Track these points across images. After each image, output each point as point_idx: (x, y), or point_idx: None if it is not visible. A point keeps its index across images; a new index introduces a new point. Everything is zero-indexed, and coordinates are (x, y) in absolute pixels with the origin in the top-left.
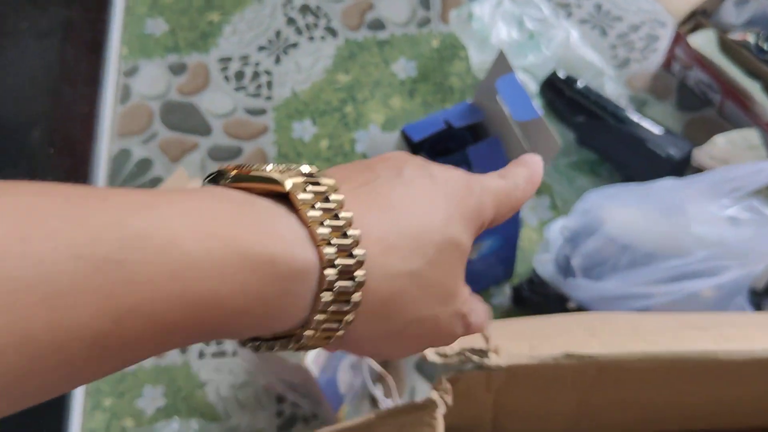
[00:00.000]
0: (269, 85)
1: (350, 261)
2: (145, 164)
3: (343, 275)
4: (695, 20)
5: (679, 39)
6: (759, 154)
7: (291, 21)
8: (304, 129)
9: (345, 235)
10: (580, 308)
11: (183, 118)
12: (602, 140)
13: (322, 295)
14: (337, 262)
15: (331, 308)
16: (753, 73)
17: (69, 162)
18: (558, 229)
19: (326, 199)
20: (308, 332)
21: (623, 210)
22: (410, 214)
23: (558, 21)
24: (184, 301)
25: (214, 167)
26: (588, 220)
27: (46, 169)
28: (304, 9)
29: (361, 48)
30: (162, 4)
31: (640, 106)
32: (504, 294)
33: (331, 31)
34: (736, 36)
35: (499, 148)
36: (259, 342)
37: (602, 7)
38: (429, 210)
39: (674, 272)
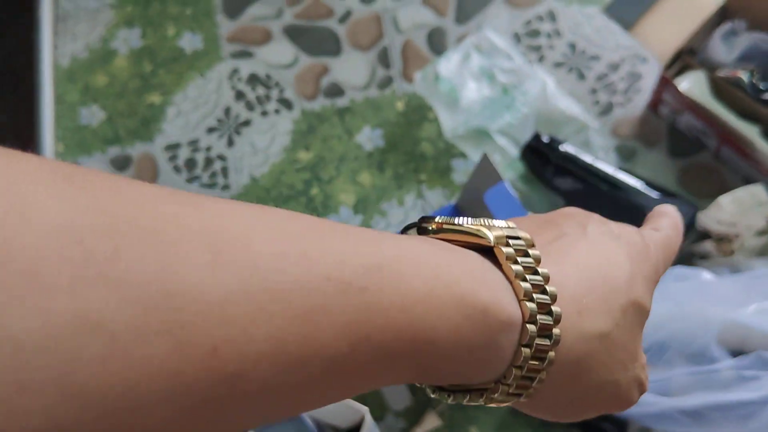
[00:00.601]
0: (224, 171)
1: (549, 318)
2: None
3: (542, 332)
4: (681, 61)
5: (666, 83)
6: None
7: (240, 95)
8: None
9: (544, 292)
10: None
11: None
12: (594, 207)
13: (522, 350)
14: (537, 318)
15: (529, 364)
16: (749, 115)
17: None
18: None
19: (525, 254)
20: (503, 386)
21: None
22: (598, 274)
23: (532, 69)
24: (408, 335)
25: None
26: None
27: None
28: (253, 79)
29: (320, 119)
30: (95, 89)
31: (630, 156)
32: None
33: (286, 103)
34: (726, 73)
35: None
36: (450, 392)
37: (576, 46)
38: (615, 271)
39: (697, 379)
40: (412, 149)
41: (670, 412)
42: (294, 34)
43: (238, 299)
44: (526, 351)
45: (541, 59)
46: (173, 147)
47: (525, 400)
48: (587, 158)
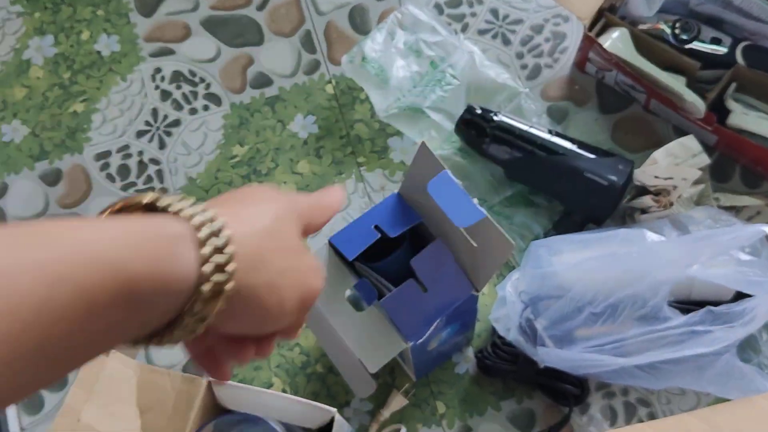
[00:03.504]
0: (159, 175)
1: (220, 239)
2: None
3: (215, 250)
4: (604, 19)
5: (591, 42)
6: (702, 159)
7: (166, 94)
8: None
9: (204, 213)
10: (548, 369)
11: None
12: (535, 174)
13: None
14: (206, 238)
15: (213, 260)
16: (674, 66)
17: None
18: (514, 288)
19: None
20: (185, 320)
21: (591, 275)
22: (249, 204)
23: (458, 40)
24: (98, 268)
25: None
26: (552, 285)
27: None
28: (177, 77)
29: (250, 111)
30: (13, 103)
31: (562, 118)
32: (468, 360)
33: (214, 98)
34: (648, 27)
35: (445, 252)
36: (148, 339)
37: (499, 11)
38: (263, 205)
39: (652, 339)
40: (347, 133)
41: (627, 368)
42: (213, 26)
43: None
44: (208, 266)
45: (465, 28)
46: (104, 155)
47: (222, 314)
48: (522, 126)
